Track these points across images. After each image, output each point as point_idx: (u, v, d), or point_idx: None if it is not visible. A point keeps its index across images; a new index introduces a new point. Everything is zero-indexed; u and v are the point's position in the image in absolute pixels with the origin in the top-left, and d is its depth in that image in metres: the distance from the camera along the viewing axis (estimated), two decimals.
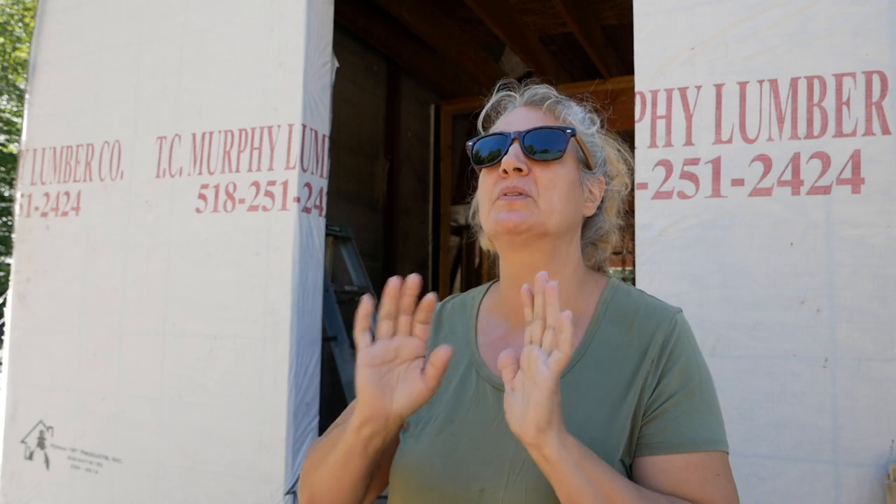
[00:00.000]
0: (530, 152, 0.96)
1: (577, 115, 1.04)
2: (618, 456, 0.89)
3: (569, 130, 0.98)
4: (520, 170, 0.95)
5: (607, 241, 1.11)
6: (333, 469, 0.93)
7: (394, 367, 0.86)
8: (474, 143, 1.02)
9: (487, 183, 1.00)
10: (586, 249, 1.09)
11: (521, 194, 0.95)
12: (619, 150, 1.11)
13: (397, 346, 0.86)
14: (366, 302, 0.85)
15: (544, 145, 0.97)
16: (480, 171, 1.03)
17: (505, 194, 0.96)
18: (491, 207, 0.98)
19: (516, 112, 1.05)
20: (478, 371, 1.01)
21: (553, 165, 0.97)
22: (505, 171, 0.96)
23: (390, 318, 0.86)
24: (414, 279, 0.85)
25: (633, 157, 1.14)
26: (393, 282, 0.85)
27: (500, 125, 1.04)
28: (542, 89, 1.05)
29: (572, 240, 1.03)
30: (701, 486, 0.88)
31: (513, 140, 0.97)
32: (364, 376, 0.85)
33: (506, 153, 0.96)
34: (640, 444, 0.91)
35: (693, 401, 0.92)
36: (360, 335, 0.86)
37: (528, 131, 0.97)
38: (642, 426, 0.91)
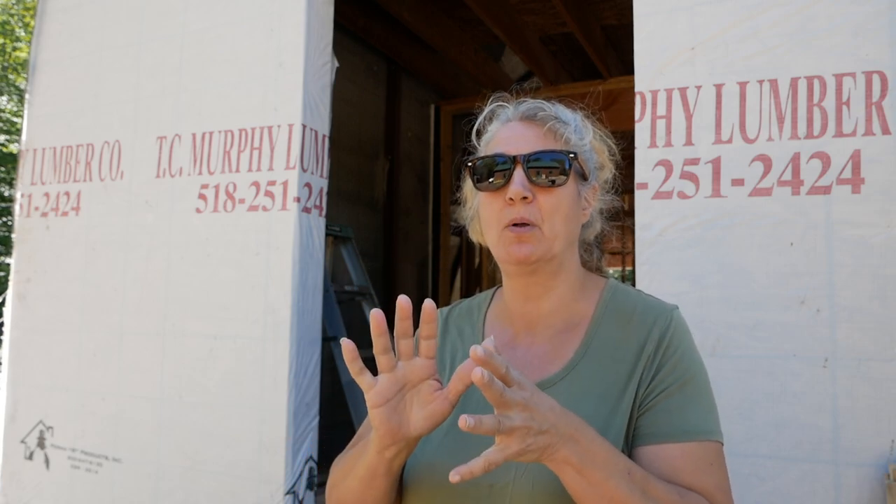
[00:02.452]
0: (535, 177, 0.97)
1: (572, 128, 1.04)
2: (619, 448, 0.91)
3: (572, 154, 0.98)
4: (526, 198, 0.96)
5: (593, 227, 1.12)
6: (359, 486, 0.93)
7: (405, 394, 0.86)
8: (473, 163, 1.01)
9: (493, 207, 1.00)
10: (580, 249, 1.11)
11: (528, 224, 0.96)
12: (602, 138, 1.11)
13: (403, 374, 0.85)
14: (348, 345, 0.82)
15: (549, 171, 0.97)
16: (479, 188, 1.02)
17: (512, 224, 0.97)
18: (499, 236, 0.99)
19: (512, 127, 1.04)
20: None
21: (556, 190, 0.98)
22: (511, 199, 0.96)
23: (388, 351, 0.84)
24: (404, 302, 0.81)
25: (615, 141, 1.14)
26: (378, 316, 0.82)
27: (497, 141, 1.03)
28: (539, 105, 1.04)
29: (574, 251, 1.06)
30: (694, 475, 0.90)
31: (515, 163, 0.97)
32: (376, 415, 0.84)
33: (509, 178, 0.97)
34: (636, 434, 0.93)
35: (687, 392, 0.94)
36: (361, 378, 0.83)
37: (531, 155, 0.97)
38: (638, 417, 0.94)
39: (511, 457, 0.76)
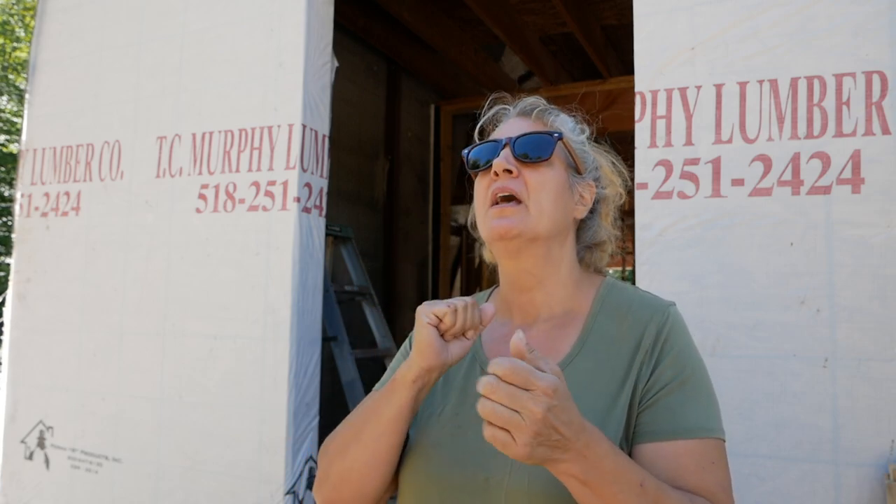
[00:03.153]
0: (520, 155, 1.01)
1: (566, 123, 1.10)
2: (616, 444, 0.91)
3: (556, 135, 1.03)
4: (509, 171, 1.00)
5: (604, 249, 1.15)
6: (374, 440, 0.96)
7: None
8: (469, 151, 1.08)
9: (481, 187, 1.05)
10: (583, 254, 1.13)
11: (512, 197, 1.00)
12: (613, 163, 1.15)
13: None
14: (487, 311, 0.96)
15: (533, 149, 1.02)
16: (476, 176, 1.08)
17: (496, 202, 1.01)
18: (485, 215, 1.03)
19: (509, 122, 1.10)
20: (481, 367, 1.06)
21: (542, 168, 1.02)
22: (496, 174, 1.01)
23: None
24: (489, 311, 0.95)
25: (626, 168, 1.19)
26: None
27: (493, 135, 1.10)
28: (533, 99, 1.11)
29: (564, 242, 1.07)
30: (697, 474, 0.90)
31: (504, 145, 1.02)
32: (427, 333, 0.92)
33: (497, 157, 1.02)
34: (637, 432, 0.94)
35: (686, 389, 0.94)
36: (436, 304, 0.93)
37: (518, 137, 1.02)
38: (638, 415, 0.94)
39: (505, 448, 0.75)
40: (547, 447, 0.75)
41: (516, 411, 0.73)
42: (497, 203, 1.01)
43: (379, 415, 0.96)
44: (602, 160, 1.14)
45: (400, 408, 0.94)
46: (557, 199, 1.02)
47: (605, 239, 1.14)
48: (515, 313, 1.08)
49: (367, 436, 0.97)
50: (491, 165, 1.02)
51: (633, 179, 1.94)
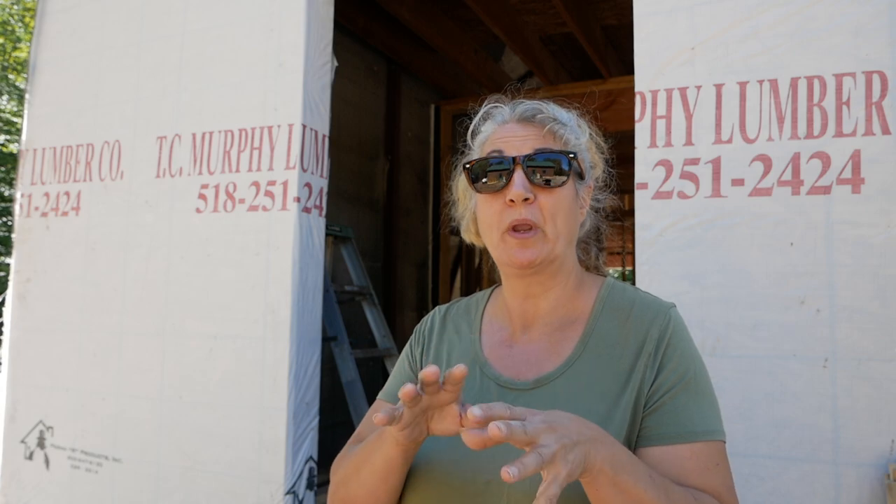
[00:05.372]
0: (535, 178, 0.97)
1: (570, 129, 1.04)
2: None
3: (571, 155, 0.99)
4: (527, 199, 0.96)
5: (584, 226, 1.12)
6: (374, 481, 0.95)
7: (425, 411, 0.86)
8: (471, 165, 1.01)
9: (492, 209, 1.00)
10: (577, 248, 1.11)
11: (530, 227, 0.96)
12: (592, 136, 1.10)
13: (427, 404, 0.84)
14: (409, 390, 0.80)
15: (549, 172, 0.97)
16: (479, 191, 1.02)
17: (515, 227, 0.97)
18: (500, 239, 0.99)
19: (509, 128, 1.03)
20: (482, 369, 1.04)
21: (556, 190, 0.98)
22: (512, 201, 0.96)
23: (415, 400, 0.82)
24: (431, 371, 0.79)
25: (604, 140, 1.14)
26: (408, 390, 0.79)
27: (493, 142, 1.03)
28: (536, 106, 1.04)
29: (572, 250, 1.06)
30: (701, 476, 0.90)
31: (515, 164, 0.97)
32: (402, 436, 0.86)
33: (509, 180, 0.97)
34: (642, 435, 0.93)
35: (690, 392, 0.94)
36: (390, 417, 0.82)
37: (531, 155, 0.97)
38: (643, 418, 0.93)
39: (564, 481, 0.71)
40: (573, 449, 0.74)
41: (537, 447, 0.71)
42: (514, 229, 0.97)
43: (372, 463, 0.94)
44: (591, 143, 1.09)
45: (388, 461, 0.92)
46: (570, 216, 1.00)
47: (585, 216, 1.11)
48: (515, 318, 1.07)
49: (364, 475, 0.96)
50: (503, 189, 0.97)
51: (632, 179, 1.96)
